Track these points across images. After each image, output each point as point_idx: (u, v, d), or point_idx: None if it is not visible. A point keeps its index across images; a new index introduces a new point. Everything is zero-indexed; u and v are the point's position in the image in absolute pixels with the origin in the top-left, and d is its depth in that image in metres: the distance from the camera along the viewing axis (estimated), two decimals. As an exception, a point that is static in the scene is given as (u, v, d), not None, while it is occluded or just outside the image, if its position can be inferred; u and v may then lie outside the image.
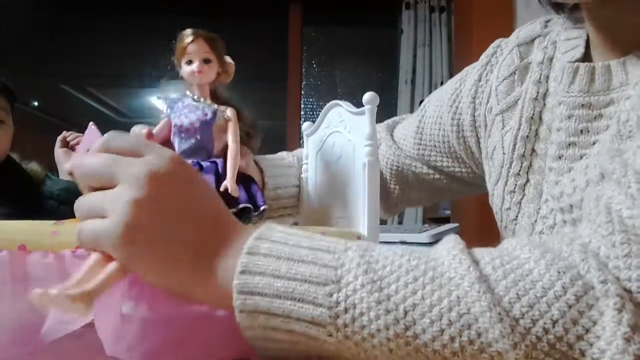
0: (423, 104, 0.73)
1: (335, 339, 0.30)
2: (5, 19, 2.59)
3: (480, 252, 0.32)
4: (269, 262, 0.32)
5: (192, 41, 0.48)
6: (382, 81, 2.83)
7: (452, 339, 0.28)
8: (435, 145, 0.69)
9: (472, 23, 2.36)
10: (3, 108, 1.17)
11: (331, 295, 0.30)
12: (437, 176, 0.70)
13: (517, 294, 0.29)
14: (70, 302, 0.32)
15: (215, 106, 0.50)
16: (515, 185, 0.55)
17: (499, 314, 0.28)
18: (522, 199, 0.54)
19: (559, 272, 0.29)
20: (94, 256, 0.35)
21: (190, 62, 0.49)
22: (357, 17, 2.83)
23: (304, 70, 2.81)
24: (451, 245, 0.32)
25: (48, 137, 1.32)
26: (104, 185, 0.35)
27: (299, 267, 0.31)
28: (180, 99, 0.50)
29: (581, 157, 0.47)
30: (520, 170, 0.54)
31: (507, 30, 0.65)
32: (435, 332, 0.29)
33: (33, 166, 1.31)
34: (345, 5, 2.74)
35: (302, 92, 2.79)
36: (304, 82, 2.82)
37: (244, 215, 0.49)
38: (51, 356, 0.39)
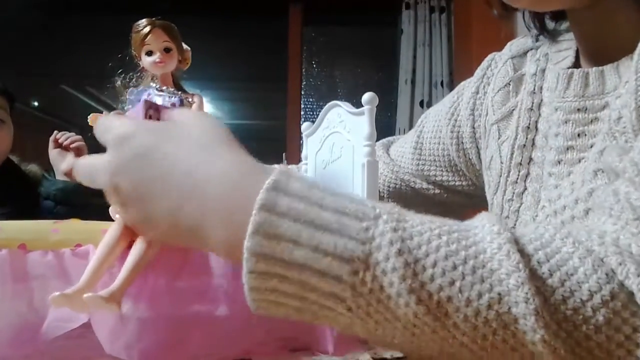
0: (420, 120, 0.73)
1: (354, 314, 0.28)
2: (6, 19, 2.59)
3: (522, 239, 0.29)
4: (287, 225, 0.28)
5: (150, 31, 0.47)
6: (382, 81, 2.83)
7: (484, 336, 0.27)
8: (434, 160, 0.69)
9: (472, 23, 2.36)
10: (3, 108, 1.17)
11: (356, 274, 0.27)
12: (437, 191, 0.70)
13: (563, 296, 0.27)
14: (104, 303, 0.34)
15: (180, 93, 0.50)
16: (513, 193, 0.55)
17: (544, 318, 0.26)
18: (520, 207, 0.55)
19: (607, 275, 0.27)
20: (101, 247, 0.37)
21: (150, 53, 0.48)
22: (357, 17, 2.83)
23: (304, 70, 2.81)
24: (495, 230, 0.29)
25: (48, 137, 1.32)
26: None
27: (322, 236, 0.28)
28: (145, 90, 0.49)
29: (579, 161, 0.48)
30: (517, 178, 0.55)
31: (506, 30, 0.66)
32: (467, 328, 0.27)
33: (32, 168, 1.31)
34: (345, 5, 2.74)
35: (302, 92, 2.79)
36: (304, 82, 2.82)
37: None
38: (51, 356, 0.40)
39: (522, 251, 0.28)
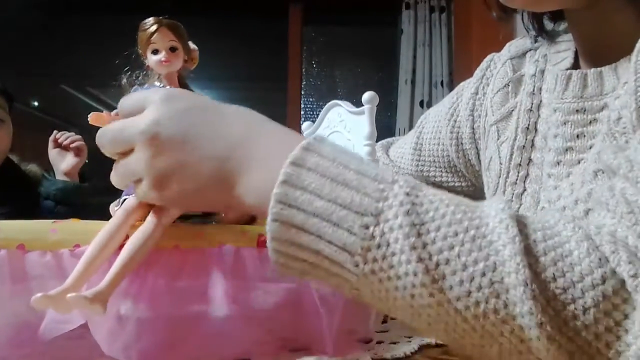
0: (420, 121, 0.74)
1: (361, 270, 0.30)
2: (6, 19, 2.59)
3: (525, 220, 0.31)
4: (312, 179, 0.31)
5: (156, 30, 0.47)
6: (382, 81, 2.83)
7: (477, 303, 0.28)
8: (434, 161, 0.69)
9: (472, 23, 2.36)
10: (2, 107, 1.17)
11: (367, 227, 0.29)
12: None
13: (554, 274, 0.28)
14: (88, 303, 0.33)
15: None
16: (513, 194, 0.55)
17: (533, 290, 0.27)
18: (519, 208, 0.55)
19: (600, 260, 0.28)
20: (89, 250, 0.37)
21: (156, 52, 0.48)
22: (357, 17, 2.83)
23: (304, 70, 2.81)
24: (501, 207, 0.31)
25: (48, 137, 1.32)
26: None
27: (342, 190, 0.30)
28: (149, 89, 0.49)
29: (579, 162, 0.48)
30: (517, 179, 0.55)
31: (506, 30, 0.66)
32: (461, 292, 0.28)
33: (32, 168, 1.31)
34: (345, 5, 2.74)
35: (302, 92, 2.79)
36: (304, 82, 2.82)
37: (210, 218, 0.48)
38: (51, 356, 0.39)
39: (521, 230, 0.29)
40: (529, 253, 0.28)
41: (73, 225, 0.40)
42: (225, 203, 0.37)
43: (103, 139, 0.38)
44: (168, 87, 0.49)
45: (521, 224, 0.30)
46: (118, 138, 0.37)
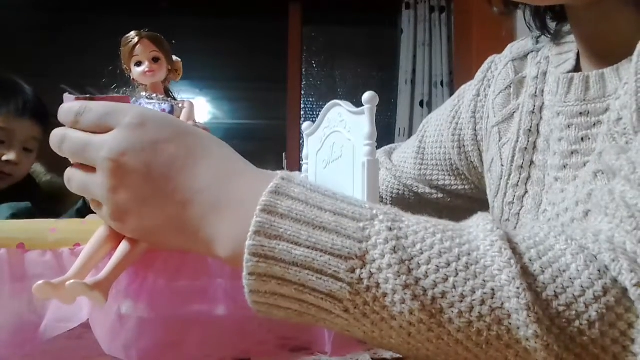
0: (422, 125, 0.74)
1: (351, 315, 0.29)
2: (5, 19, 2.58)
3: (515, 238, 0.30)
4: (287, 226, 0.29)
5: (137, 42, 0.48)
6: (382, 81, 2.83)
7: (479, 331, 0.27)
8: (436, 164, 0.69)
9: (472, 23, 2.36)
10: (35, 138, 1.15)
11: (353, 271, 0.28)
12: (440, 195, 0.70)
13: (555, 292, 0.27)
14: (88, 290, 0.33)
15: (169, 100, 0.50)
16: (514, 196, 0.55)
17: (536, 313, 0.26)
18: (520, 210, 0.54)
19: (599, 271, 0.28)
20: (91, 243, 0.37)
21: (139, 64, 0.49)
22: (357, 17, 2.83)
23: (304, 70, 2.81)
24: (488, 228, 0.30)
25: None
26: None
27: (321, 235, 0.29)
28: (136, 101, 0.50)
29: (585, 165, 0.47)
30: (518, 181, 0.55)
31: (506, 30, 0.66)
32: (462, 324, 0.27)
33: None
34: (345, 5, 2.74)
35: (302, 92, 2.80)
36: (304, 82, 2.82)
37: None
38: (51, 356, 0.39)
39: (514, 249, 0.29)
40: (527, 273, 0.28)
41: (72, 225, 0.41)
42: (191, 249, 0.35)
43: (64, 144, 0.36)
44: (153, 94, 0.49)
45: (512, 242, 0.29)
46: (80, 154, 0.35)
